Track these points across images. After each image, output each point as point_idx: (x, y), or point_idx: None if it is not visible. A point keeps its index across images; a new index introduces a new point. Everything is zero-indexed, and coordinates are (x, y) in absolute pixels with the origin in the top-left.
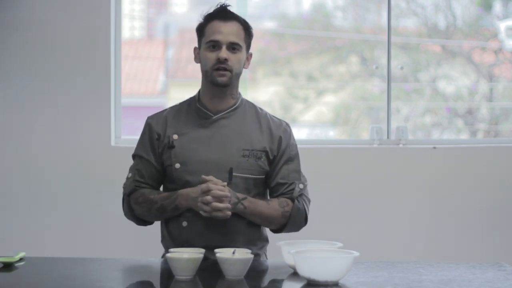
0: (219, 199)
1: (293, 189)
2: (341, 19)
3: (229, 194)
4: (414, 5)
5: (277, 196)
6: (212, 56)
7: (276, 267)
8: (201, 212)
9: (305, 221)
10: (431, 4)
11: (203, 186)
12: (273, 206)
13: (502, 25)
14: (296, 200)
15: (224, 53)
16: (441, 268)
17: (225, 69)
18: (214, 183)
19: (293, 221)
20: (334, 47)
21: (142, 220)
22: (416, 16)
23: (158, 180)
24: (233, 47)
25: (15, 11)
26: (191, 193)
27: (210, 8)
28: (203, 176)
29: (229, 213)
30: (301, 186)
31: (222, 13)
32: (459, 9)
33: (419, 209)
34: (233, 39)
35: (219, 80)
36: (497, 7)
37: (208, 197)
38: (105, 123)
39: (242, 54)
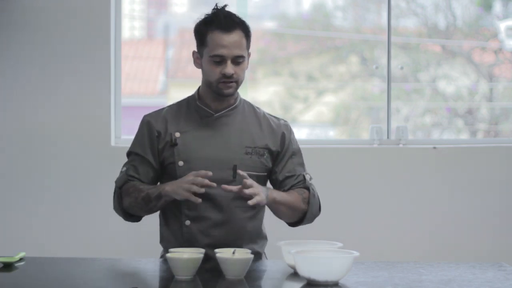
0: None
1: (302, 179)
2: (341, 19)
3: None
4: (414, 5)
5: (289, 189)
6: (217, 70)
7: (276, 267)
8: (179, 194)
9: (319, 209)
10: (431, 4)
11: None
12: (293, 194)
13: (502, 25)
14: (311, 188)
15: (230, 68)
16: (441, 268)
17: (231, 81)
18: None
19: (312, 207)
20: (334, 47)
21: (129, 215)
22: (416, 16)
23: (152, 179)
24: (237, 60)
25: (15, 11)
26: (178, 180)
27: (209, 10)
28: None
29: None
30: (308, 176)
31: (224, 22)
32: (459, 9)
33: (419, 209)
34: (237, 52)
35: (225, 92)
36: (497, 7)
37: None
38: (105, 123)
39: (245, 63)
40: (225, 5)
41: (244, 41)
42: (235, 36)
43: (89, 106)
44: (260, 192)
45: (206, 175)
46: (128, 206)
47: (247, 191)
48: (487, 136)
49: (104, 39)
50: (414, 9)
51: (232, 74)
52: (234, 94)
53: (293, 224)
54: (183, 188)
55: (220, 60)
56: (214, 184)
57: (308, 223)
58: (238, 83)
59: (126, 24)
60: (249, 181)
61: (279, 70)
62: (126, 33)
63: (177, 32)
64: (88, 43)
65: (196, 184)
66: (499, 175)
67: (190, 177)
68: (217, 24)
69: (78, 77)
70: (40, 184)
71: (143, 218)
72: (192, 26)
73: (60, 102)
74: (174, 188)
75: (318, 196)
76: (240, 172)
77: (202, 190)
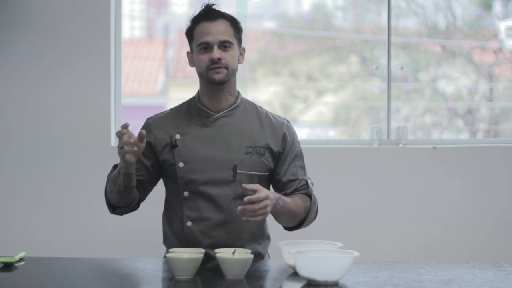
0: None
1: (305, 184)
2: (341, 19)
3: (269, 196)
4: (414, 5)
5: (291, 193)
6: (204, 57)
7: (276, 267)
8: (123, 161)
9: (315, 216)
10: (431, 4)
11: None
12: (297, 202)
13: (502, 25)
14: (313, 196)
15: (216, 53)
16: (441, 268)
17: (220, 67)
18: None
19: (310, 216)
20: (334, 47)
21: (112, 207)
22: (416, 16)
23: (144, 179)
24: (224, 45)
25: (15, 11)
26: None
27: (195, 10)
28: (244, 185)
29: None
30: (310, 181)
31: (208, 14)
32: (459, 9)
33: (419, 209)
34: (223, 37)
35: (216, 77)
36: (497, 7)
37: None
38: (105, 123)
39: (235, 51)
40: (213, 4)
41: (230, 30)
42: (220, 24)
43: (89, 106)
44: (266, 213)
45: (124, 126)
46: (108, 195)
47: (257, 205)
48: (487, 136)
49: (104, 39)
50: (414, 9)
51: (220, 59)
52: (225, 82)
53: (288, 228)
54: (121, 155)
55: (206, 47)
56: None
57: (303, 227)
58: (228, 69)
59: (126, 24)
60: (262, 194)
61: (279, 70)
62: (126, 33)
63: (177, 32)
64: (88, 43)
65: (124, 146)
66: (499, 175)
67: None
68: (200, 17)
69: (78, 77)
70: (40, 184)
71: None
72: None
73: (60, 102)
74: (119, 158)
75: (317, 204)
76: (248, 186)
77: (134, 149)
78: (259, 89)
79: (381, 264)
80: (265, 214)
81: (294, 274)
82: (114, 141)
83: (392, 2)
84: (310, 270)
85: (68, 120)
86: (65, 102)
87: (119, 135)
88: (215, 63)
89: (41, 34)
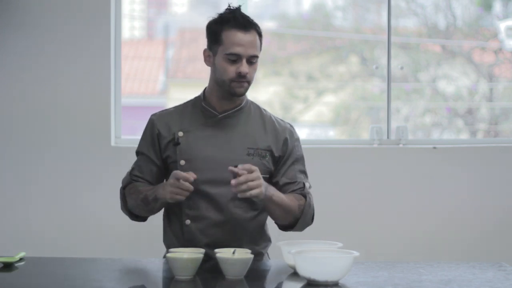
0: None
1: (302, 187)
2: (341, 19)
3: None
4: (414, 5)
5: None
6: (232, 69)
7: (276, 267)
8: (169, 199)
9: (312, 219)
10: (431, 4)
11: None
12: (290, 198)
13: (502, 25)
14: (308, 197)
15: (245, 67)
16: (441, 268)
17: (245, 81)
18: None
19: (305, 216)
20: (334, 47)
21: (134, 216)
22: (416, 16)
23: (156, 177)
24: (251, 60)
25: (15, 11)
26: (166, 183)
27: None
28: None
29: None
30: (307, 184)
31: (242, 22)
32: (459, 9)
33: (419, 209)
34: (253, 52)
35: (238, 91)
36: (497, 7)
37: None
38: (105, 123)
39: (257, 64)
40: (240, 6)
41: (258, 42)
42: (251, 36)
43: (89, 106)
44: (261, 186)
45: (188, 180)
46: (131, 207)
47: (249, 183)
48: (487, 136)
49: (104, 39)
50: (414, 9)
51: (246, 74)
52: (244, 94)
53: (283, 228)
54: (170, 193)
55: (235, 59)
56: (191, 188)
57: (299, 231)
58: (249, 83)
59: (126, 24)
60: (255, 173)
61: (279, 70)
62: (126, 33)
63: (177, 32)
64: (88, 43)
65: (179, 193)
66: (499, 175)
67: (171, 181)
68: (234, 23)
69: (78, 77)
70: (41, 184)
71: (148, 217)
72: (192, 26)
73: (60, 102)
74: (164, 193)
75: (313, 207)
76: (242, 166)
77: (186, 194)
78: (259, 89)
79: (381, 264)
80: (259, 187)
81: (294, 274)
82: (114, 141)
83: (392, 2)
84: (310, 270)
85: (68, 120)
86: (65, 102)
87: (185, 179)
88: (241, 77)
89: (41, 34)
